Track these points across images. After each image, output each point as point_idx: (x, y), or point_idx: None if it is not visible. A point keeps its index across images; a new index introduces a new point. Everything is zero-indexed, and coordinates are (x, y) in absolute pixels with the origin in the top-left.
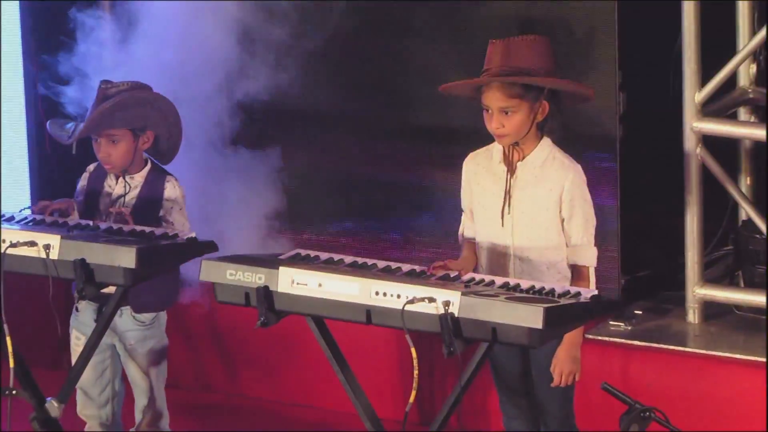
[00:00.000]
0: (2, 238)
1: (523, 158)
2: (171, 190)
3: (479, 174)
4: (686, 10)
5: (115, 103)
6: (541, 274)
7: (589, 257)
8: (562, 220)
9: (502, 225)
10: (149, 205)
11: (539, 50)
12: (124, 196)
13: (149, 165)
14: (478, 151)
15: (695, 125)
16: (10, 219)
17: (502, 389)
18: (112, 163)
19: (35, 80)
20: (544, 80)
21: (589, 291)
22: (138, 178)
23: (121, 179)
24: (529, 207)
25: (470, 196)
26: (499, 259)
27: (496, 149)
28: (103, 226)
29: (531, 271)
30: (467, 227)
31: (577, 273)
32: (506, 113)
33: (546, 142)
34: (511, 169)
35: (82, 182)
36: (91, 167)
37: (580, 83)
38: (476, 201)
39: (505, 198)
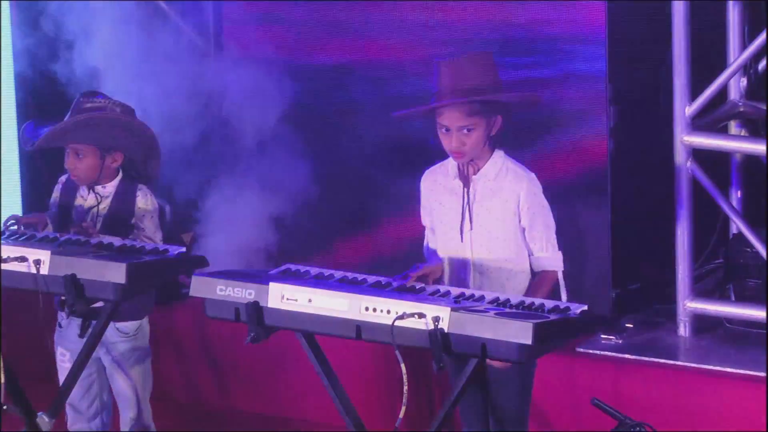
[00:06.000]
0: None
1: (477, 172)
2: (142, 199)
3: (437, 191)
4: (676, 23)
5: (81, 119)
6: (500, 286)
7: (555, 262)
8: (523, 230)
9: (462, 240)
10: (121, 215)
11: (485, 66)
12: (96, 207)
13: (120, 175)
14: (433, 167)
15: (685, 139)
16: (1, 234)
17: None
18: (77, 175)
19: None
20: (509, 96)
21: (578, 306)
22: (109, 188)
23: (93, 190)
24: (487, 220)
25: (430, 214)
26: (459, 272)
27: (451, 165)
28: (93, 240)
29: (490, 283)
30: (431, 240)
31: (544, 278)
32: (466, 131)
33: (498, 155)
34: (467, 184)
35: (55, 194)
36: (63, 178)
37: (529, 93)
38: (436, 218)
39: (463, 213)
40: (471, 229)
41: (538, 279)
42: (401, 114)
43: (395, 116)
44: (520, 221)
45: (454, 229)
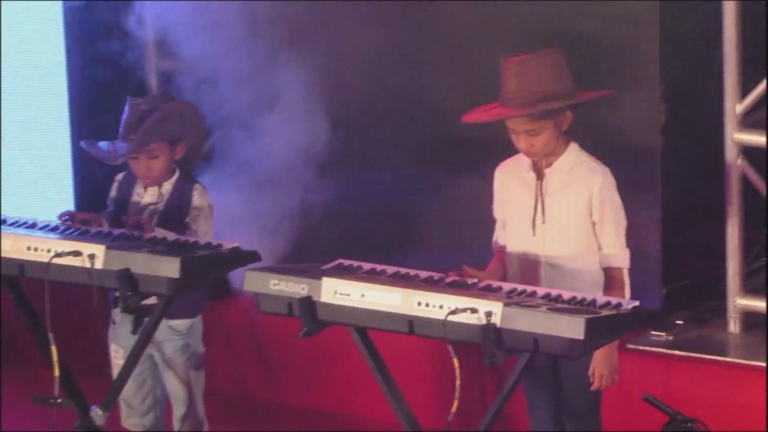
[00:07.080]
0: (47, 247)
1: (551, 165)
2: (198, 198)
3: (511, 183)
4: (727, 22)
5: (157, 117)
6: (572, 280)
7: (622, 259)
8: (594, 224)
9: (534, 234)
10: (177, 212)
11: (554, 66)
12: (157, 204)
13: (177, 173)
14: (507, 160)
15: (736, 136)
16: (55, 228)
17: (531, 394)
18: (153, 176)
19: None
20: (566, 102)
21: (630, 302)
22: (167, 186)
23: (150, 188)
24: (559, 213)
25: (503, 207)
26: (530, 267)
27: (525, 157)
28: (147, 235)
29: (562, 277)
30: (500, 236)
31: (610, 276)
32: (533, 134)
33: (573, 147)
34: (540, 176)
35: (112, 192)
36: (120, 176)
37: (596, 91)
38: (509, 211)
39: (536, 206)
40: (543, 222)
41: (609, 282)
42: (471, 120)
43: (464, 120)
44: (591, 215)
45: (527, 222)
